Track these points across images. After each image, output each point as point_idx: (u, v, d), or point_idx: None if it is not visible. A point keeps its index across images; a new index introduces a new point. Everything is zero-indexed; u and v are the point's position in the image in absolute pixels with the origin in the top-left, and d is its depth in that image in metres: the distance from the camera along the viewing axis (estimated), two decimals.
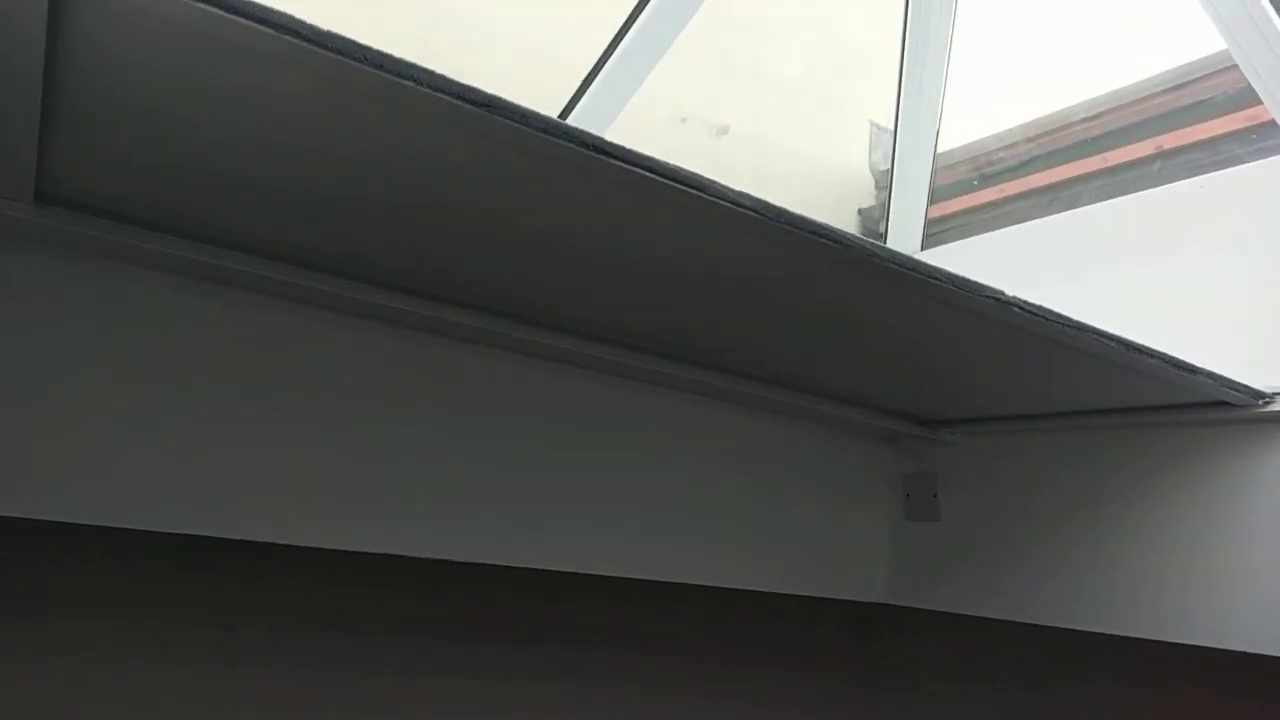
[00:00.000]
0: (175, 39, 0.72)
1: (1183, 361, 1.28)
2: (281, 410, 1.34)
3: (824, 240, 0.98)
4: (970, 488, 1.80)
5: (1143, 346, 1.24)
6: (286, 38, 0.69)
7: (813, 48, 2.97)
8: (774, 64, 2.83)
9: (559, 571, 1.56)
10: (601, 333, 1.44)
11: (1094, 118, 2.39)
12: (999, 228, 2.03)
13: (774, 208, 0.94)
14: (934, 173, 2.24)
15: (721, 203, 0.91)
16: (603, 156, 0.84)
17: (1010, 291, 1.89)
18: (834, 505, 1.91)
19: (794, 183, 2.79)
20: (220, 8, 0.66)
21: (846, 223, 2.89)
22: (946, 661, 1.88)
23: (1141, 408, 1.49)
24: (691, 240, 1.05)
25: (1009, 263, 1.94)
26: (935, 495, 1.84)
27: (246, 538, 1.30)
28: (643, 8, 1.79)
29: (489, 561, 1.50)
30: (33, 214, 1.05)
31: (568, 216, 1.02)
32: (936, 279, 1.06)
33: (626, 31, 1.82)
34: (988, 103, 3.29)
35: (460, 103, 0.78)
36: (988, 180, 2.58)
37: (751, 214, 0.93)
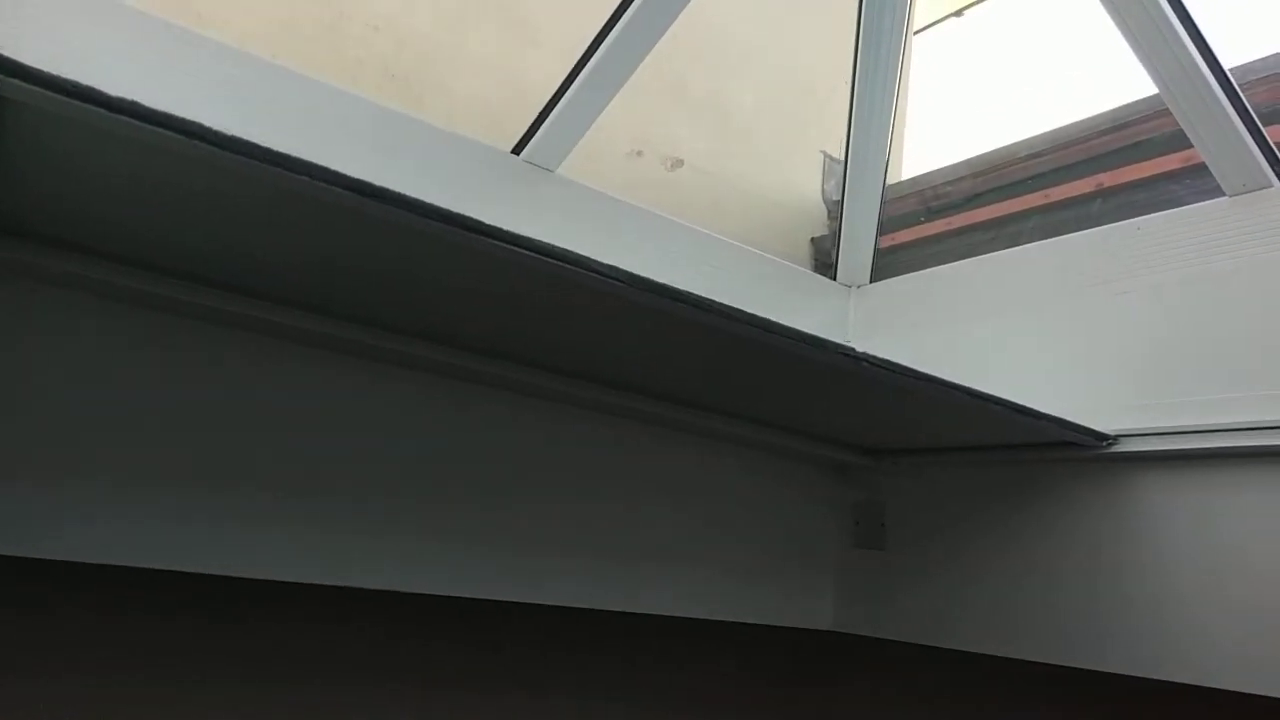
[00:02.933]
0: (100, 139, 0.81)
1: (1024, 407, 1.38)
2: (235, 439, 1.33)
3: (687, 305, 1.07)
4: (914, 516, 1.84)
5: (985, 394, 1.33)
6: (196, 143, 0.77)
7: (768, 80, 3.03)
8: (730, 96, 2.88)
9: (505, 601, 1.56)
10: (542, 360, 1.46)
11: (1037, 155, 2.47)
12: (944, 261, 2.08)
13: (640, 279, 1.03)
14: (883, 205, 2.29)
15: (590, 274, 1.01)
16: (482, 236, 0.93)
17: (950, 327, 1.95)
18: (784, 533, 1.94)
19: (748, 213, 2.83)
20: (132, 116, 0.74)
21: (800, 252, 2.94)
22: (897, 689, 1.91)
23: (1034, 445, 1.60)
24: (570, 296, 1.13)
25: (951, 298, 1.99)
26: (883, 524, 1.88)
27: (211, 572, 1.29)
28: (603, 39, 1.82)
29: (428, 592, 1.49)
30: None
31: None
32: (791, 338, 1.15)
33: (586, 63, 1.84)
34: (938, 137, 3.38)
35: (348, 193, 0.87)
36: (935, 214, 2.65)
37: (619, 284, 1.02)
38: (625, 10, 1.76)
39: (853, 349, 1.21)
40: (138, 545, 1.25)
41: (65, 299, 1.22)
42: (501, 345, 1.41)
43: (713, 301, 1.09)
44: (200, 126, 0.77)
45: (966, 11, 3.86)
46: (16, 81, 0.69)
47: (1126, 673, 1.45)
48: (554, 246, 0.98)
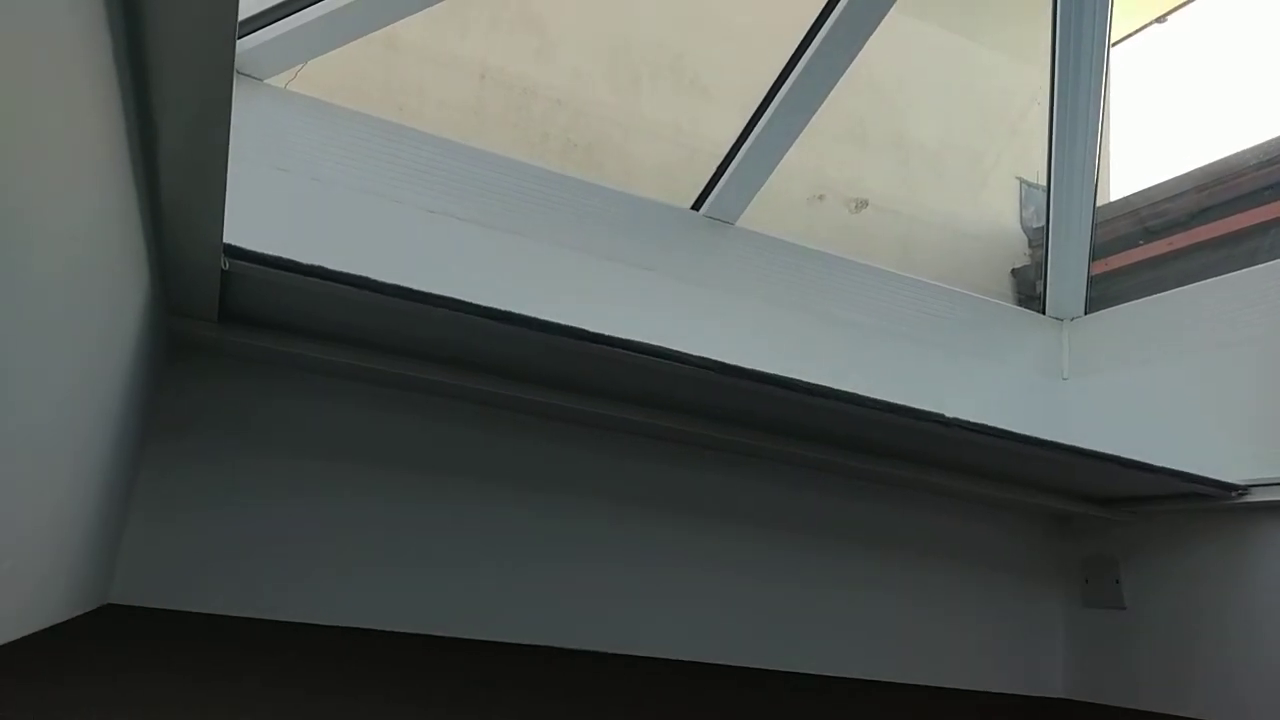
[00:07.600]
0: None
1: (1129, 460, 1.36)
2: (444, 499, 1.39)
3: (766, 386, 1.16)
4: (1155, 570, 1.64)
5: (1087, 450, 1.34)
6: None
7: (950, 108, 2.91)
8: (912, 129, 2.78)
9: (719, 664, 1.52)
10: (750, 421, 1.43)
11: (1271, 163, 2.22)
12: (1168, 286, 1.88)
13: (726, 365, 1.13)
14: (1094, 229, 2.11)
15: (681, 365, 1.12)
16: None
17: (1181, 359, 1.77)
18: (1005, 593, 1.79)
19: (941, 249, 2.70)
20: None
21: (999, 284, 2.77)
22: None
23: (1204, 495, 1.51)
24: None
25: (1178, 327, 1.79)
26: (1118, 580, 1.69)
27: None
28: (776, 91, 1.80)
29: (659, 656, 1.49)
30: (218, 331, 1.17)
31: None
32: (878, 409, 1.20)
33: (760, 116, 1.83)
34: (1147, 153, 3.11)
35: (484, 319, 1.04)
36: (1154, 234, 2.42)
37: (707, 371, 1.13)
38: (798, 61, 1.74)
39: (942, 415, 1.22)
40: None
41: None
42: (702, 409, 1.41)
43: (795, 380, 1.15)
44: (363, 279, 0.97)
45: (1170, 16, 3.57)
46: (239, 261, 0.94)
47: None
48: (645, 344, 1.09)
